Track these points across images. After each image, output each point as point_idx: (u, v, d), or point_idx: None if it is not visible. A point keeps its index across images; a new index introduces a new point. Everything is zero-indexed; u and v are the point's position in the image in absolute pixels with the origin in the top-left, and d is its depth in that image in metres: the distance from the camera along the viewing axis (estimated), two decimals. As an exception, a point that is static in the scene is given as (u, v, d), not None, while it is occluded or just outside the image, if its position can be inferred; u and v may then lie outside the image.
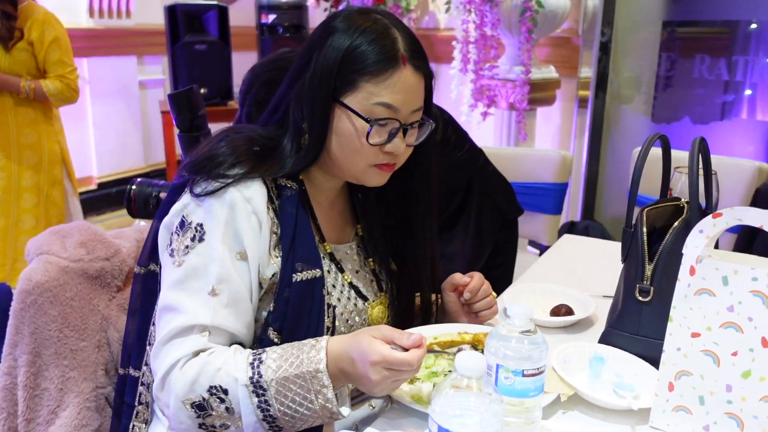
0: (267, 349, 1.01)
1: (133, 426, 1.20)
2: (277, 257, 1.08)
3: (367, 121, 1.05)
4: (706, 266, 0.94)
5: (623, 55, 3.40)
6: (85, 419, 1.30)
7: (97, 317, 1.34)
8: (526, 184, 2.51)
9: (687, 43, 3.31)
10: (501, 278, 1.95)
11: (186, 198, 1.08)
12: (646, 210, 1.19)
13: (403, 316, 1.28)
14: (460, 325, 1.27)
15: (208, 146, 1.13)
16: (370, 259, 1.26)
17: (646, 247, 1.14)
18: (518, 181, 2.32)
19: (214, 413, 0.97)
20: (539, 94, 3.33)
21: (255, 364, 0.97)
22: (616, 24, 3.36)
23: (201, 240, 1.04)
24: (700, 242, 0.94)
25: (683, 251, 0.96)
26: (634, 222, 1.18)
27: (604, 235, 3.17)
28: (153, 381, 1.17)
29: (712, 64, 3.15)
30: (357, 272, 1.22)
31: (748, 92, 3.13)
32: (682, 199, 1.27)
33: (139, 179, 1.64)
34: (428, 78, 1.12)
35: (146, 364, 1.18)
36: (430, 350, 1.19)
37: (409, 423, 1.03)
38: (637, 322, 1.14)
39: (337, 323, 1.14)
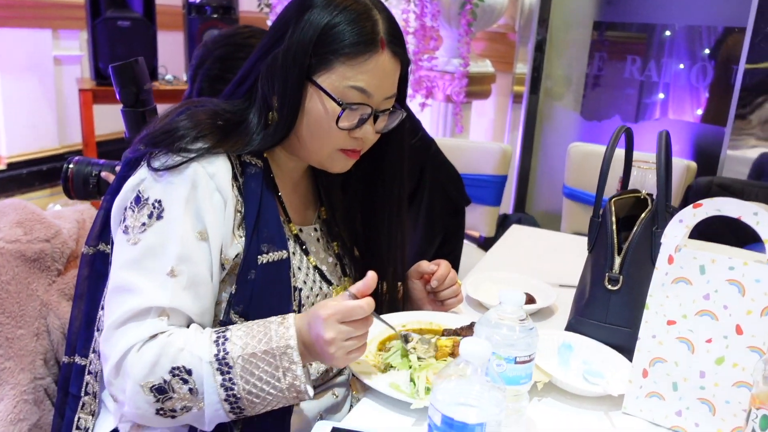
0: (230, 327, 0.96)
1: (79, 418, 1.11)
2: (240, 237, 1.03)
3: (339, 104, 1.01)
4: (684, 255, 0.96)
5: (557, 54, 3.48)
6: (23, 413, 1.20)
7: (35, 303, 1.24)
8: (467, 175, 2.52)
9: (616, 45, 3.43)
10: (449, 267, 1.95)
11: (143, 172, 1.01)
12: (612, 201, 1.21)
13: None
14: (427, 313, 1.26)
15: (166, 119, 1.06)
16: (334, 243, 1.22)
17: (615, 237, 1.16)
18: (459, 172, 2.33)
19: (175, 396, 0.92)
20: (475, 87, 3.36)
21: (219, 341, 0.93)
22: (551, 22, 3.43)
23: (159, 217, 0.98)
24: (679, 232, 0.96)
25: (662, 240, 0.98)
26: (601, 213, 1.20)
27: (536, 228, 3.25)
28: (102, 368, 1.09)
29: (641, 64, 3.28)
30: (321, 255, 1.18)
31: (661, 96, 3.28)
32: (643, 191, 1.30)
33: (76, 157, 1.53)
34: (405, 65, 1.08)
35: (94, 352, 1.10)
36: (398, 338, 1.17)
37: (387, 413, 1.00)
38: (605, 311, 1.16)
39: (303, 306, 1.11)
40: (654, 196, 1.30)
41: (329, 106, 1.02)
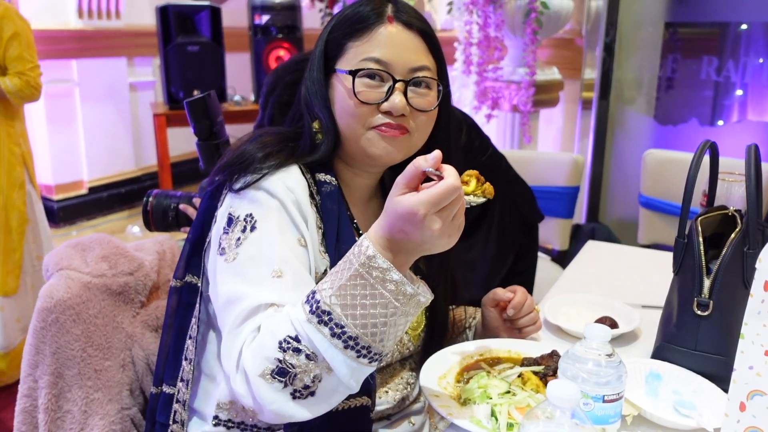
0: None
1: None
2: (325, 253, 1.03)
3: (350, 73, 1.02)
4: (782, 281, 0.90)
5: (626, 56, 3.38)
6: (111, 443, 1.24)
7: (121, 335, 1.28)
8: (538, 187, 2.47)
9: (689, 44, 3.30)
10: (522, 285, 1.90)
11: (228, 198, 1.04)
12: (699, 219, 1.15)
13: (437, 320, 1.23)
14: (505, 341, 1.23)
15: (237, 148, 1.08)
16: None
17: (703, 259, 1.10)
18: (530, 184, 2.28)
19: (298, 370, 0.84)
20: (543, 95, 3.30)
21: (309, 298, 0.86)
22: (619, 24, 3.33)
23: (253, 229, 0.98)
24: (775, 256, 0.90)
25: (756, 266, 0.92)
26: (687, 232, 1.15)
27: (611, 237, 3.15)
28: (188, 397, 1.11)
29: (718, 64, 3.14)
30: None
31: (739, 92, 3.13)
32: (731, 208, 1.24)
33: (155, 191, 1.58)
34: (427, 37, 1.06)
35: (182, 381, 1.12)
36: (477, 367, 1.15)
37: (468, 447, 0.98)
38: (695, 337, 1.10)
39: None
40: (742, 212, 1.24)
41: (347, 83, 1.03)
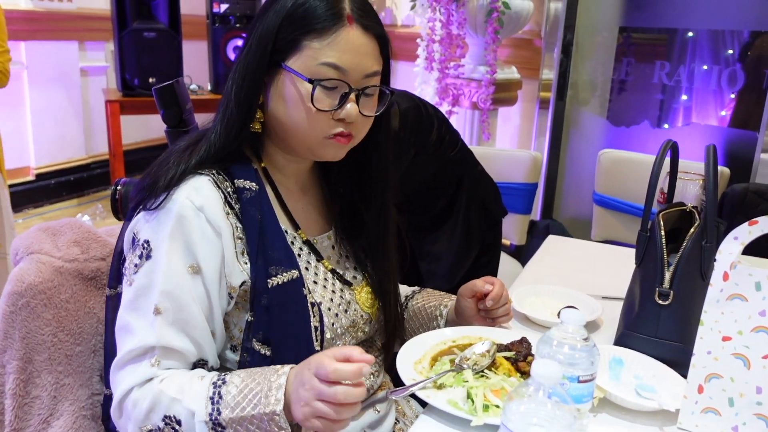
0: (228, 379, 0.97)
1: None
2: (245, 264, 1.04)
3: (309, 81, 1.00)
4: (740, 272, 0.97)
5: (582, 59, 3.48)
6: (82, 428, 1.23)
7: (92, 320, 1.27)
8: (498, 183, 2.53)
9: (641, 49, 3.42)
10: (485, 278, 1.96)
11: (139, 215, 1.05)
12: (661, 215, 1.22)
13: (390, 300, 1.23)
14: (477, 328, 1.27)
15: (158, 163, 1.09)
16: (350, 247, 1.22)
17: (665, 251, 1.17)
18: (490, 180, 2.33)
19: None
20: (502, 94, 3.37)
21: (215, 399, 0.95)
22: (577, 28, 3.43)
23: (148, 257, 1.01)
24: (734, 249, 0.97)
25: (717, 257, 0.98)
26: (649, 227, 1.21)
27: (564, 234, 3.25)
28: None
29: (670, 69, 3.27)
30: (338, 262, 1.18)
31: (685, 97, 3.27)
32: (688, 204, 1.31)
33: (123, 179, 1.57)
34: (382, 41, 1.05)
35: None
36: (451, 353, 1.19)
37: (445, 429, 1.01)
38: (656, 325, 1.17)
39: (325, 320, 1.09)
40: (698, 209, 1.31)
41: (302, 88, 1.01)
